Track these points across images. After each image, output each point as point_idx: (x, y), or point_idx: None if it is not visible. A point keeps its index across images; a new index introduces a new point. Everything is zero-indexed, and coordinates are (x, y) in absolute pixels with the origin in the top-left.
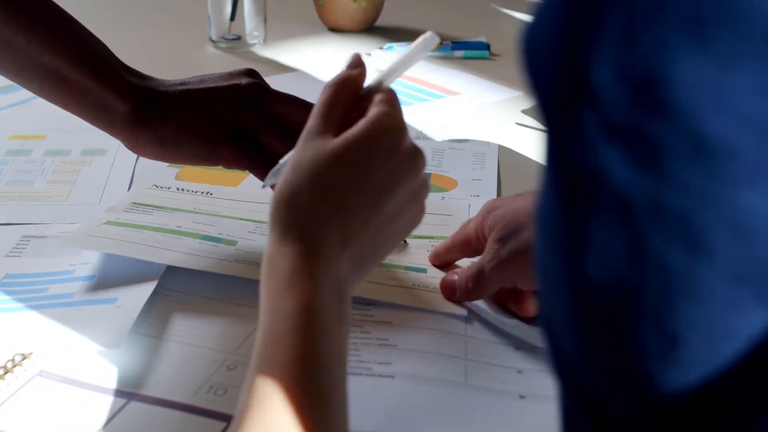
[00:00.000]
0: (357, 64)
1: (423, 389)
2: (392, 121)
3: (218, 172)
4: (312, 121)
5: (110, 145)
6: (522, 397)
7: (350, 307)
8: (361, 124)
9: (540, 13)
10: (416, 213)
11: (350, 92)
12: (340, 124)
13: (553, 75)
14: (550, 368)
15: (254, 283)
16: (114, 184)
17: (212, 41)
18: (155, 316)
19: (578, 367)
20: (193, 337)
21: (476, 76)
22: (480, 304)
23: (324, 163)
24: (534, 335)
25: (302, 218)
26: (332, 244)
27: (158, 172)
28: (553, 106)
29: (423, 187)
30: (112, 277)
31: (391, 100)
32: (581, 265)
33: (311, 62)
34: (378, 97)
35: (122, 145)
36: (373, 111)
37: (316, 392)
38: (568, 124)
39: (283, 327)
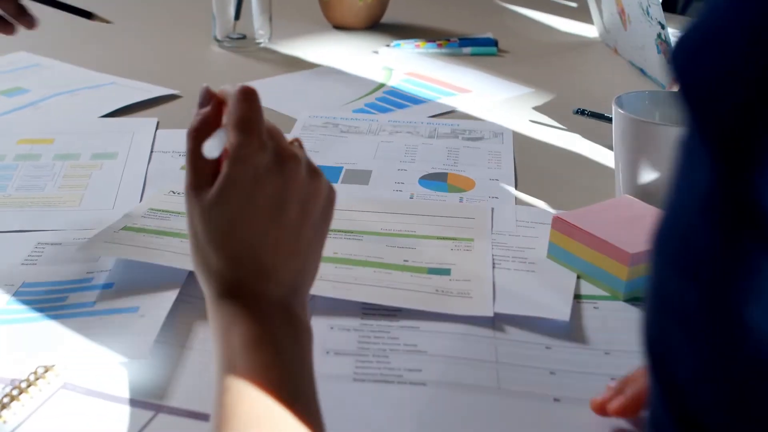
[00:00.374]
0: (205, 101)
1: (456, 396)
2: (241, 169)
3: None
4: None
5: (120, 147)
6: (557, 400)
7: (304, 317)
8: (218, 180)
9: (714, 33)
10: (323, 211)
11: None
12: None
13: (737, 108)
14: (649, 378)
15: None
16: (127, 188)
17: (217, 41)
18: (179, 324)
19: (697, 399)
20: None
21: (485, 72)
22: (507, 303)
23: (204, 221)
24: (563, 309)
25: (213, 275)
26: (248, 282)
27: (171, 174)
28: (731, 138)
29: (312, 186)
30: (132, 284)
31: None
32: (740, 308)
33: (317, 60)
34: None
35: (133, 147)
36: (224, 165)
37: (287, 395)
38: (754, 160)
39: (239, 359)
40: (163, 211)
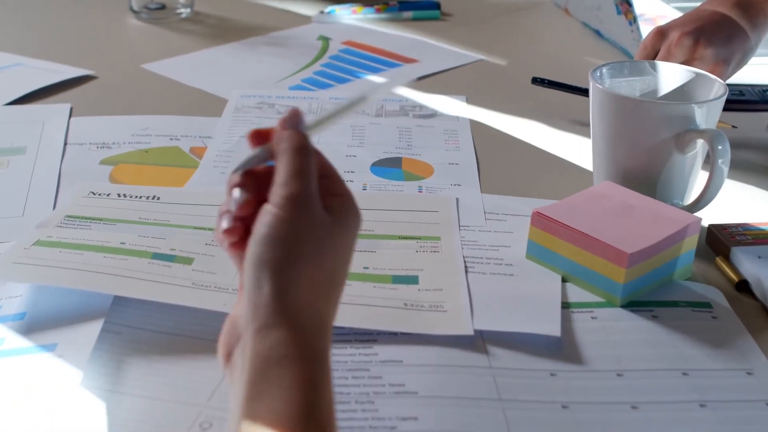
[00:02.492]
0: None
1: None
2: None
3: (157, 168)
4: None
5: (29, 141)
6: None
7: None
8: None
9: None
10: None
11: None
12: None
13: None
14: None
15: (218, 315)
16: (38, 189)
17: (134, 12)
18: (106, 362)
19: None
20: (154, 387)
21: (430, 39)
22: (490, 318)
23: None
24: (552, 323)
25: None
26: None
27: (89, 170)
28: None
29: (348, 223)
30: (48, 314)
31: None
32: None
33: (246, 31)
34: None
35: (44, 140)
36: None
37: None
38: None
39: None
40: (82, 218)
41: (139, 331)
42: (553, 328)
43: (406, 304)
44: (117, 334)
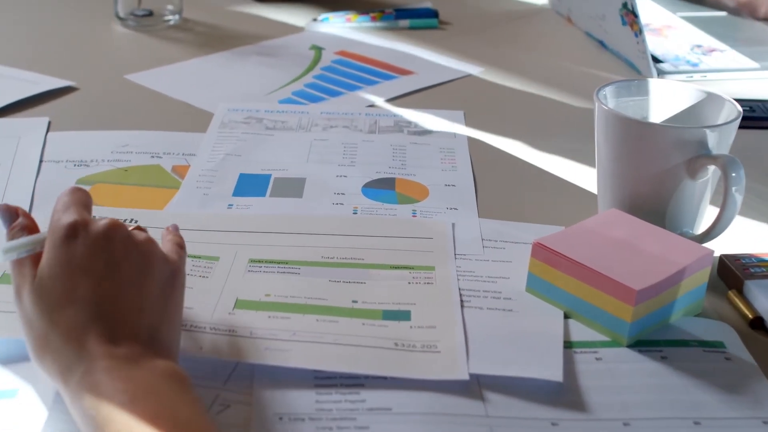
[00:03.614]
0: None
1: None
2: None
3: (137, 189)
4: None
5: (2, 157)
6: None
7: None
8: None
9: None
10: (141, 256)
11: None
12: None
13: None
14: None
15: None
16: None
17: (120, 18)
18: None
19: None
20: None
21: (428, 49)
22: (487, 361)
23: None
24: (554, 366)
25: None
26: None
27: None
28: None
29: (144, 248)
30: (8, 354)
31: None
32: None
33: (236, 40)
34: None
35: (18, 156)
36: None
37: None
38: None
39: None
40: None
41: None
42: (555, 373)
43: (396, 344)
44: None
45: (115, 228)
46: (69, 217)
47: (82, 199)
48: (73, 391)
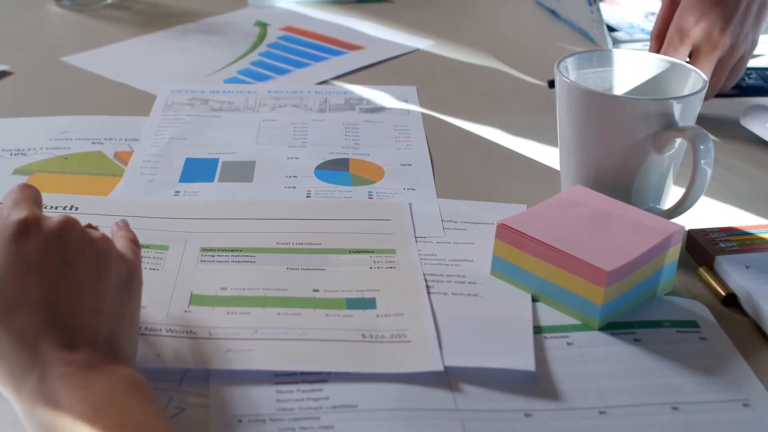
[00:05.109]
0: None
1: None
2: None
3: (79, 177)
4: None
5: None
6: None
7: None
8: None
9: None
10: (96, 255)
11: None
12: None
13: None
14: None
15: None
16: None
17: None
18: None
19: None
20: None
21: (378, 24)
22: (456, 352)
23: None
24: (525, 354)
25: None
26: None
27: (0, 182)
28: None
29: (98, 247)
30: None
31: None
32: None
33: (177, 18)
34: None
35: None
36: None
37: None
38: None
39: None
40: None
41: None
42: (527, 362)
43: (364, 336)
44: None
45: (69, 225)
46: (19, 214)
47: (31, 195)
48: (26, 401)
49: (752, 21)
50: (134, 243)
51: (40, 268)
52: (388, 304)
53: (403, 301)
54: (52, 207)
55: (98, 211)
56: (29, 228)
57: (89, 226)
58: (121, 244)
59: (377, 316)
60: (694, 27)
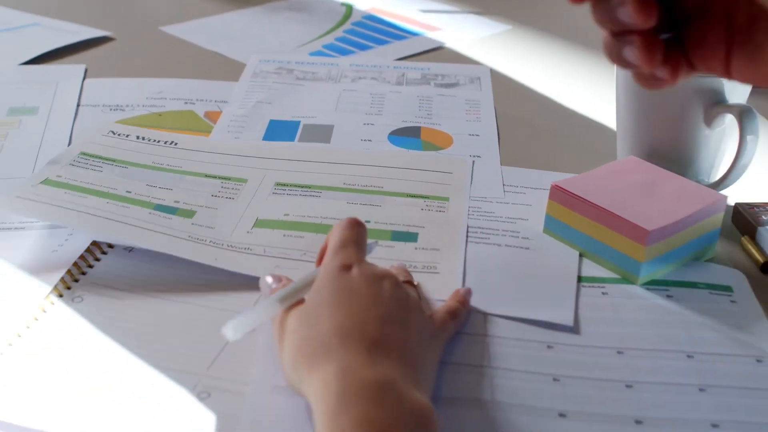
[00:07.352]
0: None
1: (440, 410)
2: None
3: (171, 132)
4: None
5: (42, 101)
6: (562, 415)
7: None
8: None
9: None
10: (407, 299)
11: None
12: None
13: None
14: None
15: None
16: (49, 150)
17: None
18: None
19: None
20: (149, 353)
21: (456, 7)
22: (501, 301)
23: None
24: (565, 309)
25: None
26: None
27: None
28: None
29: (391, 284)
30: None
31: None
32: None
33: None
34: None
35: (56, 101)
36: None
37: None
38: None
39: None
40: (96, 157)
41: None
42: (566, 316)
43: (402, 264)
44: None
45: (389, 273)
46: (345, 258)
47: (359, 237)
48: (341, 392)
49: None
50: (452, 315)
51: (356, 292)
52: (428, 240)
53: (443, 238)
54: (155, 140)
55: (194, 147)
56: (351, 267)
57: (409, 282)
58: (444, 306)
59: (416, 248)
60: None
